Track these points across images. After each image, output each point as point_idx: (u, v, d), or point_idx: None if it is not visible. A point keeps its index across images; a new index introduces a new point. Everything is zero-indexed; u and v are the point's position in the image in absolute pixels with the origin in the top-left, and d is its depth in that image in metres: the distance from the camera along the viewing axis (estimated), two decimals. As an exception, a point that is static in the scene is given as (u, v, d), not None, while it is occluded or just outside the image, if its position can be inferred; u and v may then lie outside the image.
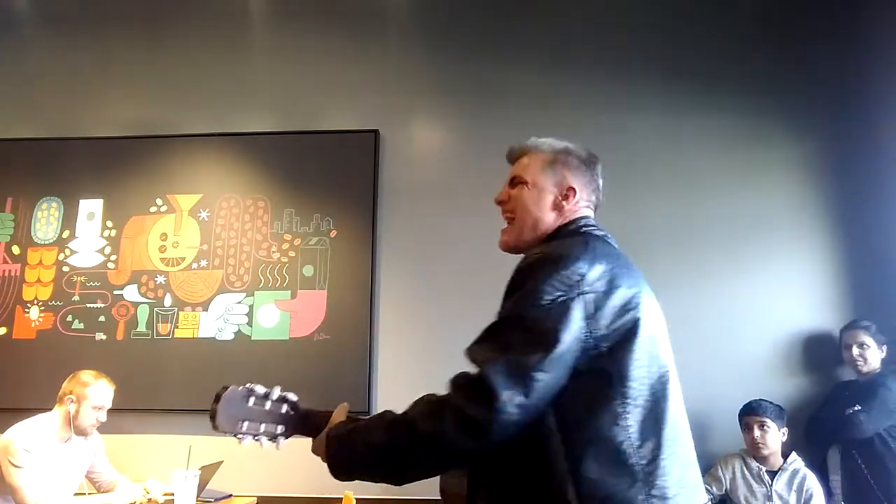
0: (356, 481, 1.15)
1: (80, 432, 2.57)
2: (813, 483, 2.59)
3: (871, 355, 2.78)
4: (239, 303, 3.22)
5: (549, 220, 1.28)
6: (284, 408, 1.24)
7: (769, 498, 2.59)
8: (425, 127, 3.47)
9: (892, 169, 3.05)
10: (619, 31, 3.45)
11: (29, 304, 3.29)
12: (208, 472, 2.66)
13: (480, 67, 3.44)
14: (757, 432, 2.66)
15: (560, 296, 1.04)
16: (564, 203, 1.28)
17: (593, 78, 3.39)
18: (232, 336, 3.18)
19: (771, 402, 2.72)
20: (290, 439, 1.25)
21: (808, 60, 3.32)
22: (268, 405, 1.22)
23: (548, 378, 1.00)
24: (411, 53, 3.54)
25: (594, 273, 1.08)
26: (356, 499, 2.34)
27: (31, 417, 2.54)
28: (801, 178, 3.23)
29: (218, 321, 3.20)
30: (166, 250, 3.31)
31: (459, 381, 1.04)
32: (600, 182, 1.34)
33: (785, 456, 2.67)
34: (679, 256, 3.13)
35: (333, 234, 3.27)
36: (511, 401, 0.98)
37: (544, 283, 1.05)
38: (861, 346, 2.79)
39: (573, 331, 1.02)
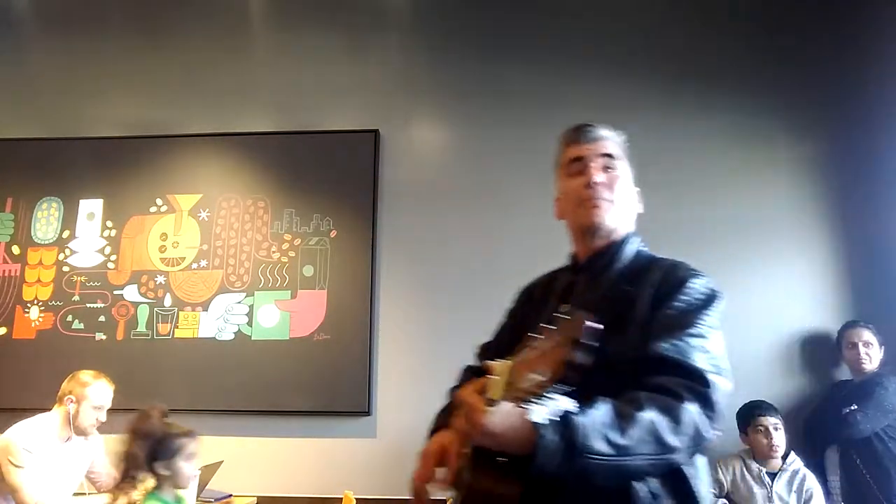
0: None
1: (80, 432, 2.57)
2: (812, 483, 2.59)
3: (875, 353, 2.78)
4: (239, 303, 3.22)
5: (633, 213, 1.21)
6: None
7: (769, 499, 2.58)
8: (425, 127, 3.47)
9: (892, 169, 3.05)
10: (620, 32, 3.45)
11: (29, 304, 3.29)
12: (208, 472, 2.66)
13: (481, 68, 3.44)
14: (773, 433, 2.63)
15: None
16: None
17: (593, 78, 3.39)
18: (232, 336, 3.18)
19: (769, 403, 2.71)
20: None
21: (808, 60, 3.32)
22: None
23: None
24: (411, 53, 3.54)
25: None
26: (356, 499, 2.34)
27: (31, 417, 2.54)
28: (801, 178, 3.22)
29: (218, 321, 3.20)
30: (166, 250, 3.31)
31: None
32: None
33: (784, 457, 2.66)
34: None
35: (333, 234, 3.26)
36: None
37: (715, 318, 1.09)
38: (866, 344, 2.78)
39: None
